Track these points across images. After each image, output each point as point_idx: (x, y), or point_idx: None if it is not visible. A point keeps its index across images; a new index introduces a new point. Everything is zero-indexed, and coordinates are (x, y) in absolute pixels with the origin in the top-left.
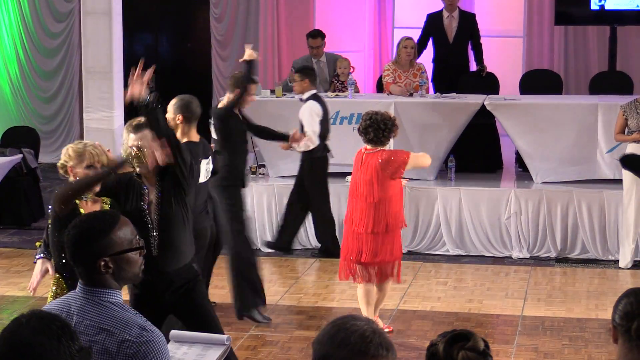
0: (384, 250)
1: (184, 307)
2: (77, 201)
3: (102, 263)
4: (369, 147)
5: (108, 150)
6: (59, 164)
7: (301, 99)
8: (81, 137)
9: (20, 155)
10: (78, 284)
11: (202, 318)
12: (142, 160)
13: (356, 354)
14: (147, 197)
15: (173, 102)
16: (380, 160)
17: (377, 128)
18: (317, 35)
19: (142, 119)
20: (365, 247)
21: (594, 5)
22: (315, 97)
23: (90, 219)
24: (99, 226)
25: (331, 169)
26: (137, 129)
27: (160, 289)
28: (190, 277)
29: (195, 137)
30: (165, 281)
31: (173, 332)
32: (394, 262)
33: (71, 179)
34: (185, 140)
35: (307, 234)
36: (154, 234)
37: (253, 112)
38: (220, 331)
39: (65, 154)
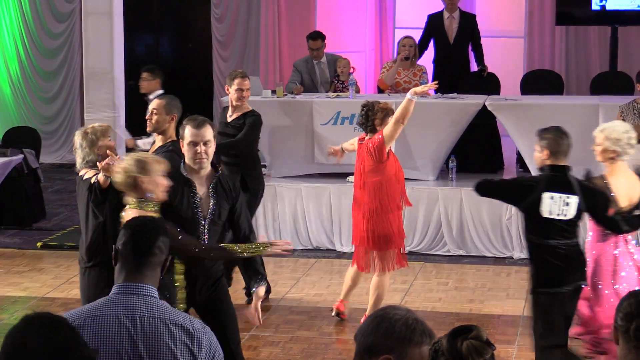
0: (380, 231)
1: (210, 310)
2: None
3: (170, 258)
4: (365, 135)
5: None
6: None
7: (147, 98)
8: None
9: (22, 156)
10: (118, 286)
11: (223, 324)
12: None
13: (401, 342)
14: (197, 192)
15: (162, 102)
16: (368, 149)
17: (360, 115)
18: (317, 37)
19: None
20: (361, 232)
21: (595, 6)
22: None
23: (159, 220)
24: (165, 227)
25: (332, 169)
26: (200, 125)
27: (201, 284)
28: (221, 271)
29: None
30: (207, 275)
31: None
32: (393, 249)
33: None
34: (170, 140)
35: (308, 234)
36: (205, 227)
37: None
38: (235, 336)
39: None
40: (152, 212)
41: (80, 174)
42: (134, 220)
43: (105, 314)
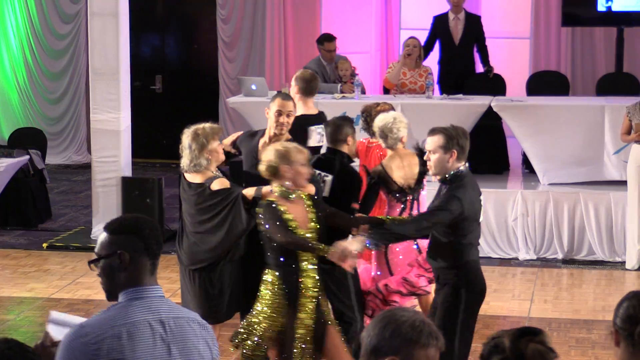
0: None
1: None
2: (280, 204)
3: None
4: (371, 139)
5: None
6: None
7: None
8: (88, 138)
9: (27, 157)
10: (133, 290)
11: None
12: None
13: (407, 343)
14: None
15: (292, 102)
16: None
17: (362, 121)
18: (332, 38)
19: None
20: None
21: (601, 7)
22: None
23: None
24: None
25: None
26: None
27: None
28: None
29: None
30: None
31: (53, 313)
32: None
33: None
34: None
35: None
36: None
37: (258, 114)
38: None
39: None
40: (297, 200)
41: (188, 178)
42: (141, 223)
43: (137, 320)
